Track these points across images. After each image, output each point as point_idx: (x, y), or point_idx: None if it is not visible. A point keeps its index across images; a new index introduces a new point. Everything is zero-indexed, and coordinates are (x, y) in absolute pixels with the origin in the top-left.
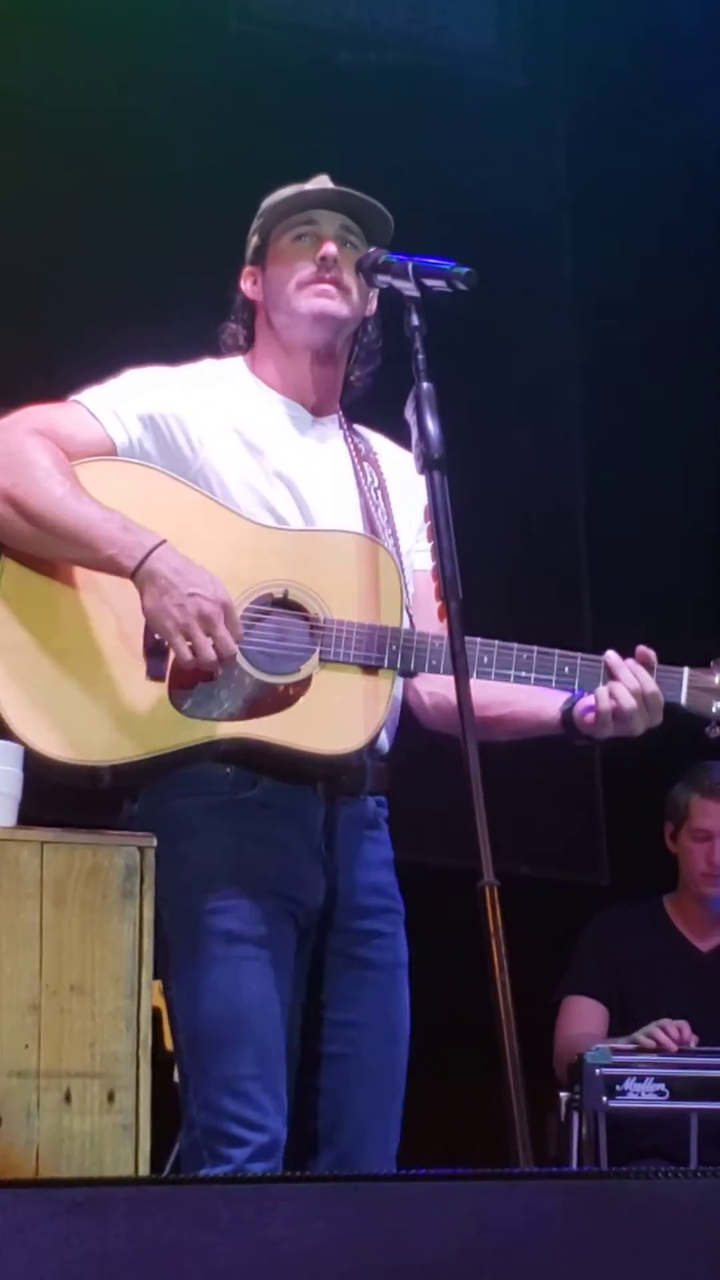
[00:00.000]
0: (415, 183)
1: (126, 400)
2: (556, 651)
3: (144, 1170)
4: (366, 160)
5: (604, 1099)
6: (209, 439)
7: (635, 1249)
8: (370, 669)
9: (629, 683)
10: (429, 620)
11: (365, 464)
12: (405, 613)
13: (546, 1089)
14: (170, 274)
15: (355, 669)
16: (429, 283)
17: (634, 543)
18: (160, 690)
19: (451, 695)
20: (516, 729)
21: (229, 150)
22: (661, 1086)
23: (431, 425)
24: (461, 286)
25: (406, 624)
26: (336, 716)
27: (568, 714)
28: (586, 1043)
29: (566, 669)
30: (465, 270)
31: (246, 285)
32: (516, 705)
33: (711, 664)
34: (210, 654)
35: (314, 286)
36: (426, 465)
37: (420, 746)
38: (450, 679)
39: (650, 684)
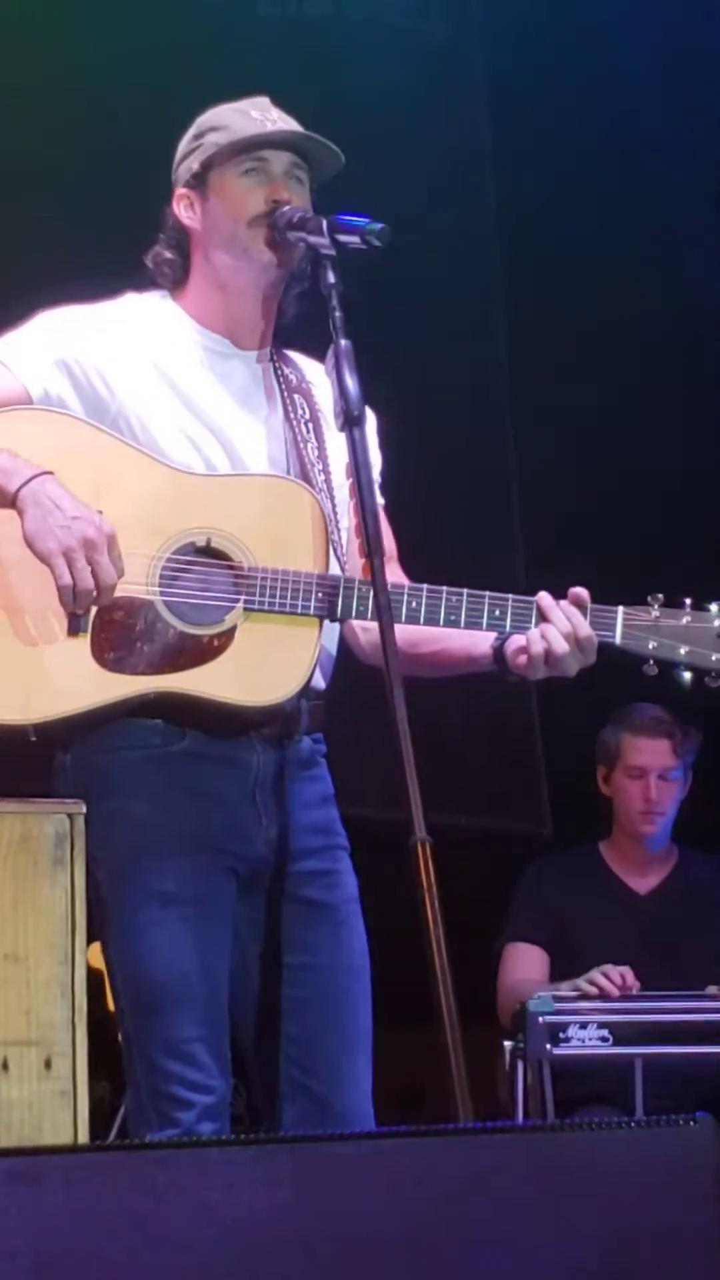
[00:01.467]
0: (336, 133)
1: (39, 346)
2: (487, 594)
3: (83, 1136)
4: (288, 110)
5: (548, 1046)
6: (127, 381)
7: (574, 1200)
8: (297, 617)
9: (561, 625)
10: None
11: (296, 395)
12: (335, 556)
13: (494, 1035)
14: (78, 217)
15: (281, 617)
16: (344, 239)
17: (568, 477)
18: (83, 645)
19: None
20: (449, 665)
21: (146, 103)
22: (605, 1033)
23: (351, 382)
24: (376, 243)
25: (335, 569)
26: (262, 666)
27: (499, 650)
28: (529, 989)
29: (497, 611)
30: (380, 226)
31: (181, 210)
32: (448, 641)
33: (649, 599)
34: (89, 581)
35: (269, 232)
36: (347, 423)
37: (361, 697)
38: None
39: (583, 626)
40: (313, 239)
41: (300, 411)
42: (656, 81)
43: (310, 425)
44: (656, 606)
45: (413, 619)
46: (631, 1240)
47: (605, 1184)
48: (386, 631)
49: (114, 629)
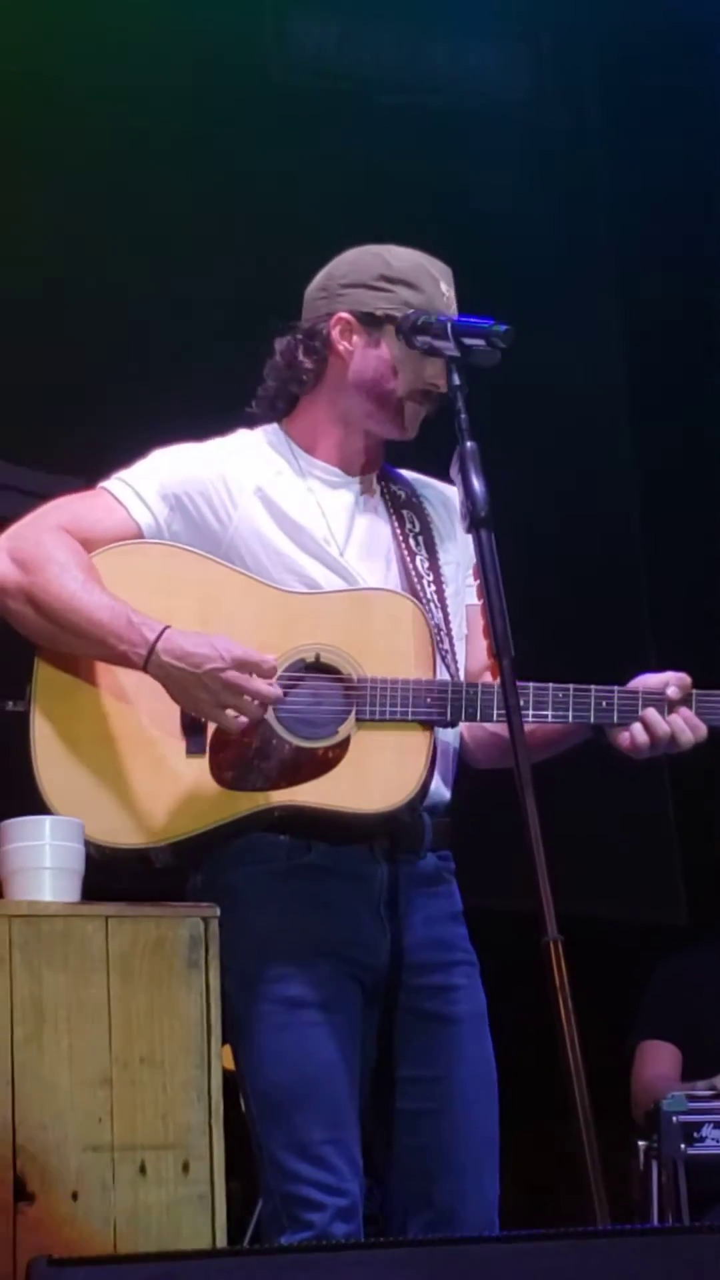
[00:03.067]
0: (457, 224)
1: (150, 481)
2: (593, 687)
3: (221, 1239)
4: (409, 202)
5: (682, 1146)
6: (238, 512)
7: None
8: (408, 724)
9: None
10: (482, 654)
11: (405, 511)
12: (444, 664)
13: (623, 1130)
14: (206, 343)
15: (393, 725)
16: (469, 341)
17: (693, 567)
18: (202, 766)
19: (489, 727)
20: (553, 740)
21: (274, 197)
22: None
23: (477, 484)
24: (501, 345)
25: (444, 675)
26: (377, 774)
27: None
28: (662, 1085)
29: (604, 704)
30: (504, 328)
31: (337, 331)
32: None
33: None
34: (257, 711)
35: (417, 407)
36: (473, 524)
37: (491, 789)
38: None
39: (684, 713)
40: (438, 343)
41: (410, 525)
42: None
43: (420, 538)
44: None
45: (521, 716)
46: None
47: None
48: (517, 733)
49: (231, 748)
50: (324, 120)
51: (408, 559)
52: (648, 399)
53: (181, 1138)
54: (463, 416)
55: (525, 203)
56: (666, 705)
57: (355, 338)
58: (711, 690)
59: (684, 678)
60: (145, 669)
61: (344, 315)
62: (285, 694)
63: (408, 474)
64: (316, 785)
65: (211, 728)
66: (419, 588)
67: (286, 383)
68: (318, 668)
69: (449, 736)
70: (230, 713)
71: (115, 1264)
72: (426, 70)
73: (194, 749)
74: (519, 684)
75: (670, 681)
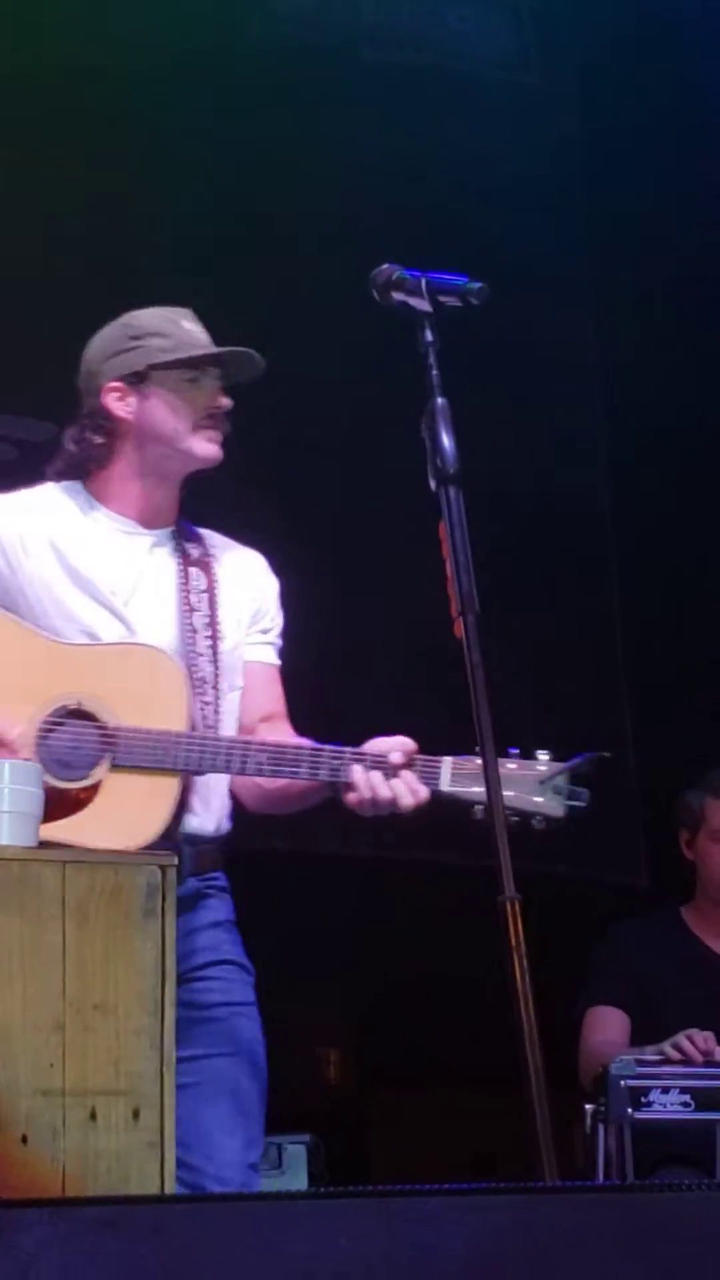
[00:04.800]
0: (433, 181)
1: None
2: (327, 748)
3: (170, 1186)
4: (386, 158)
5: (629, 1110)
6: (29, 560)
7: (659, 1263)
8: (157, 771)
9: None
10: (260, 707)
11: (193, 568)
12: (200, 714)
13: (574, 1097)
14: (195, 292)
15: (143, 771)
16: (442, 298)
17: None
18: None
19: (249, 779)
20: (300, 797)
21: (255, 151)
22: (686, 1098)
23: (446, 440)
24: (474, 301)
25: (202, 726)
26: (123, 816)
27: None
28: (611, 1051)
29: (335, 763)
30: (478, 285)
31: (112, 400)
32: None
33: (476, 749)
34: None
35: (209, 432)
36: (441, 481)
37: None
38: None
39: (406, 777)
40: (413, 300)
41: (195, 582)
42: None
43: (205, 595)
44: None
45: (259, 773)
46: None
47: (693, 1247)
48: (479, 693)
49: None
50: (304, 75)
51: (186, 613)
52: (618, 362)
53: (133, 1085)
54: (434, 373)
55: (502, 162)
56: (390, 769)
57: (130, 399)
58: (433, 757)
59: (408, 743)
60: None
61: (112, 384)
62: (46, 736)
63: (206, 532)
64: (68, 823)
65: None
66: (193, 641)
67: (84, 461)
68: (79, 714)
69: (219, 781)
70: None
71: (63, 1206)
72: (407, 29)
73: None
74: (260, 742)
75: (395, 746)
